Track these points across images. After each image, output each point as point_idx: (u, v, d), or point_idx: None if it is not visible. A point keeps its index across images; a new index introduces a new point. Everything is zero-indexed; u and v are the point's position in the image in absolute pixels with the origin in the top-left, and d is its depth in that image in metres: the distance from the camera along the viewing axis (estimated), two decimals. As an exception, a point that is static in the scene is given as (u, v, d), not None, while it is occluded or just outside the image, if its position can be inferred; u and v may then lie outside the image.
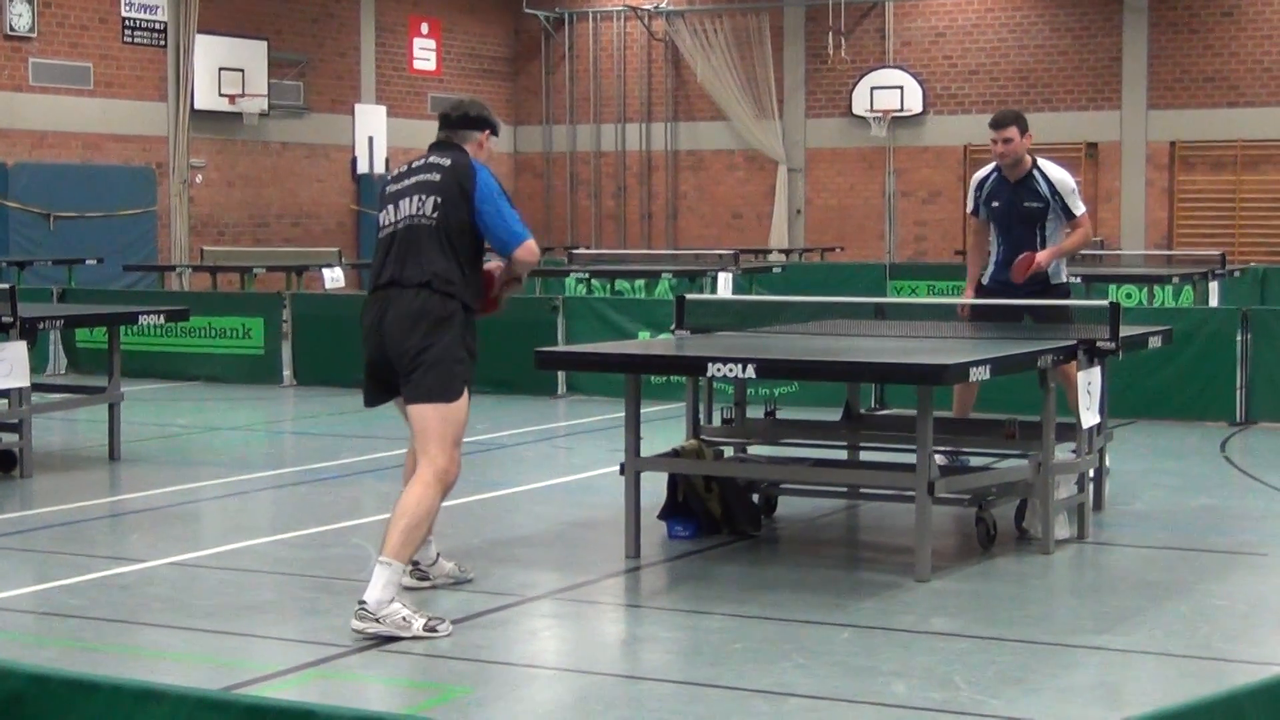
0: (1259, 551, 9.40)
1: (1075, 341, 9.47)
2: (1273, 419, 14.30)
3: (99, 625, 7.76)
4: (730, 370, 8.54)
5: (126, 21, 26.38)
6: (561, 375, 16.54)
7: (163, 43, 26.87)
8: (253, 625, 7.76)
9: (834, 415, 11.19)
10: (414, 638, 7.30)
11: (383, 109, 31.15)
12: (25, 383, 11.81)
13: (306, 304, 18.56)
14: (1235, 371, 14.52)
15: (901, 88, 31.27)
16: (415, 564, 8.17)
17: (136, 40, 26.54)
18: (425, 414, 7.73)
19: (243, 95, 27.94)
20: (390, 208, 8.09)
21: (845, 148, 32.18)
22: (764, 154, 32.66)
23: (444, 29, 32.94)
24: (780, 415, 11.09)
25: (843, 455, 10.79)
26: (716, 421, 10.51)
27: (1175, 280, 19.96)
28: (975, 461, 10.78)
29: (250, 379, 17.82)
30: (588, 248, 30.95)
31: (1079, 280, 17.96)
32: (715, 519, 9.67)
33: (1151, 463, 12.38)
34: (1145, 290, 20.22)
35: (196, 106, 27.22)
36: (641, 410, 9.25)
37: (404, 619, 7.34)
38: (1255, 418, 14.38)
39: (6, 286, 11.75)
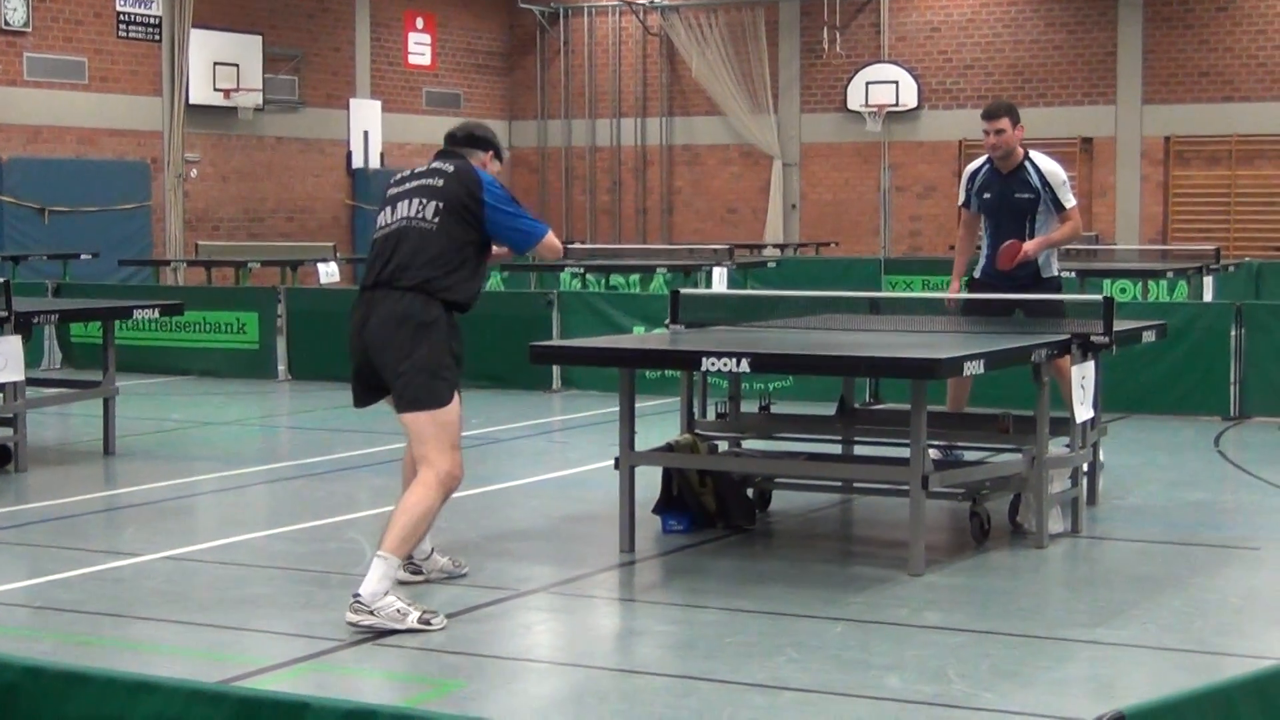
0: (1252, 546, 9.42)
1: (1069, 336, 9.48)
2: (1266, 414, 14.31)
3: (94, 619, 7.77)
4: (725, 365, 8.55)
5: (121, 16, 26.35)
6: (556, 370, 16.55)
7: (157, 37, 26.85)
8: (247, 619, 7.76)
9: (829, 410, 11.21)
10: (408, 630, 7.31)
11: (378, 103, 31.13)
12: (20, 377, 11.81)
13: (301, 299, 18.55)
14: (1229, 366, 14.53)
15: (896, 83, 31.26)
16: (409, 558, 8.17)
17: (131, 35, 26.52)
18: (418, 421, 7.73)
19: (237, 90, 27.91)
20: (388, 209, 8.06)
21: (840, 143, 32.18)
22: (759, 149, 32.66)
23: (439, 24, 32.92)
24: (775, 410, 11.11)
25: (837, 450, 10.80)
26: (711, 416, 10.52)
27: (1170, 275, 19.98)
28: (969, 456, 10.79)
29: (245, 373, 17.82)
30: (583, 242, 30.93)
31: (1072, 274, 17.97)
32: (709, 513, 9.68)
33: (1145, 457, 12.39)
34: (1140, 285, 20.23)
35: (191, 101, 27.20)
36: (636, 405, 9.26)
37: (398, 611, 7.36)
38: (1249, 412, 14.40)
39: (1, 281, 11.74)
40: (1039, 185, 11.06)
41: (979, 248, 11.54)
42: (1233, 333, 14.53)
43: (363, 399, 8.12)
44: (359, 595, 7.39)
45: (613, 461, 9.24)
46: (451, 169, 8.04)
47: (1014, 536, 9.46)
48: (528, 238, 8.04)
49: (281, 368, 17.89)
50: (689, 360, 9.23)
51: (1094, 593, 8.46)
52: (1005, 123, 11.07)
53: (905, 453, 8.77)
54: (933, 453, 9.79)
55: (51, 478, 11.79)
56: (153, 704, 3.28)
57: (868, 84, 31.41)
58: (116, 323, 13.46)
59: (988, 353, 8.74)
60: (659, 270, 21.48)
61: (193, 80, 27.15)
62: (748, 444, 10.71)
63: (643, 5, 33.23)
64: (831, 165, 32.33)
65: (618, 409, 9.26)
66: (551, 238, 8.14)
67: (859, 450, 10.85)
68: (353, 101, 30.68)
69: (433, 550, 8.38)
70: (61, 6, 25.51)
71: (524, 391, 16.19)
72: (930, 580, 8.43)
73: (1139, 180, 30.01)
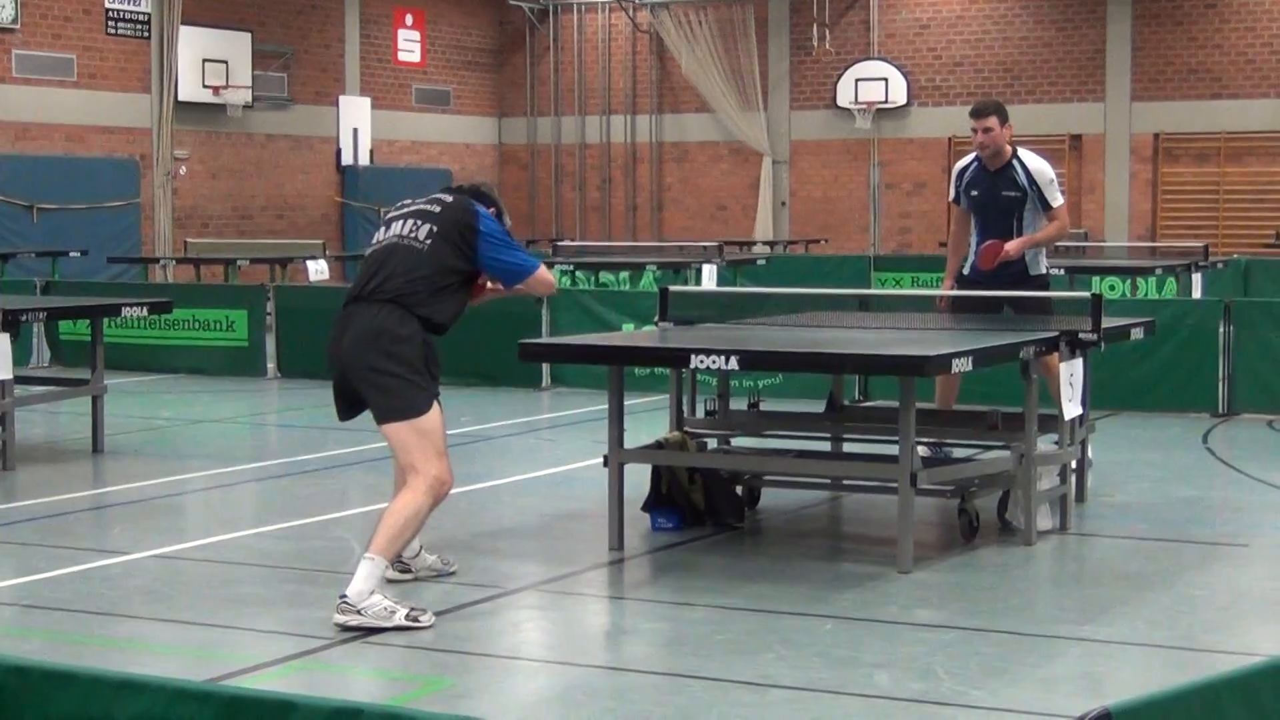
0: (1240, 542, 9.43)
1: (1057, 333, 9.49)
2: (1255, 410, 14.33)
3: (82, 617, 7.76)
4: (713, 362, 8.55)
5: (110, 13, 26.33)
6: (546, 367, 16.54)
7: (146, 34, 26.82)
8: (235, 617, 7.76)
9: (818, 407, 11.21)
10: (396, 628, 7.30)
11: (367, 100, 31.12)
12: (8, 375, 11.79)
13: (290, 296, 18.54)
14: (1218, 363, 14.54)
15: (886, 80, 31.28)
16: (398, 557, 8.17)
17: (120, 32, 26.49)
18: (399, 433, 7.73)
19: (227, 87, 27.90)
20: (383, 229, 8.09)
21: (830, 140, 32.19)
22: (749, 146, 32.67)
23: (428, 20, 32.90)
24: (764, 407, 11.10)
25: (826, 447, 10.80)
26: (700, 413, 10.52)
27: (1158, 272, 20.00)
28: (958, 453, 10.80)
29: (234, 371, 17.80)
30: (572, 240, 30.95)
31: (1061, 271, 18.00)
32: (698, 511, 9.68)
33: (1134, 454, 12.40)
34: (1128, 282, 20.25)
35: (180, 98, 27.18)
36: (625, 402, 9.26)
37: (386, 609, 7.35)
38: (1237, 409, 14.42)
39: (-11, 279, 11.73)
40: (1026, 184, 11.07)
41: (971, 245, 11.54)
42: (1221, 329, 14.54)
43: (345, 413, 8.11)
44: (345, 596, 7.39)
45: (602, 459, 9.24)
46: (450, 199, 8.05)
47: (1002, 534, 9.46)
48: (519, 271, 8.03)
49: (270, 365, 17.88)
50: (678, 358, 9.23)
51: (1082, 590, 8.47)
52: (993, 121, 11.07)
53: (894, 450, 8.77)
54: (921, 450, 9.80)
55: (40, 476, 11.78)
56: (139, 703, 3.27)
57: (857, 81, 31.43)
58: (105, 320, 13.44)
59: (976, 350, 8.75)
60: (648, 267, 21.48)
61: (182, 77, 27.13)
62: (737, 441, 10.71)
63: (632, 2, 33.23)
64: (821, 162, 32.35)
65: (607, 406, 9.26)
66: (544, 272, 8.14)
67: (848, 448, 10.85)
68: (342, 98, 30.67)
69: (421, 548, 8.37)
70: (50, 3, 25.48)
71: (513, 389, 16.19)
72: (919, 578, 8.43)
73: (1128, 177, 30.05)
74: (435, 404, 7.77)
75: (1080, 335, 9.49)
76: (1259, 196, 29.23)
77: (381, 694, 6.70)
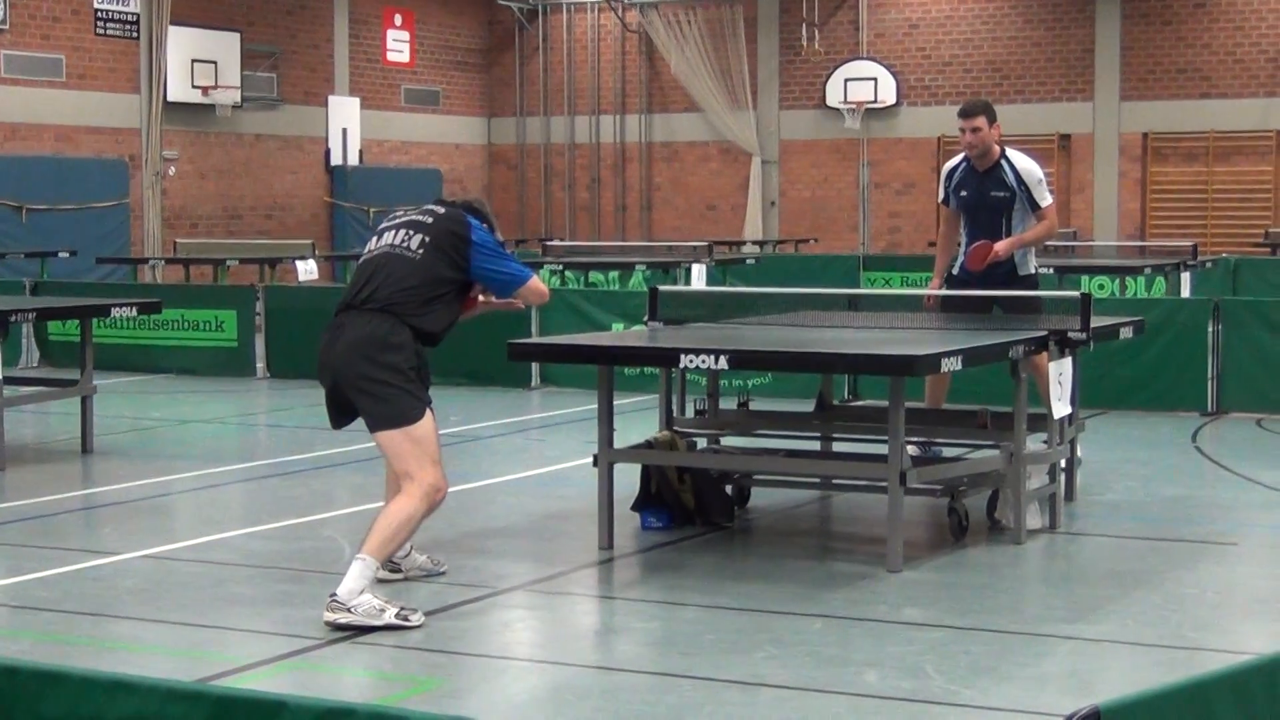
0: (1229, 541, 9.45)
1: (1047, 332, 9.50)
2: (1243, 409, 14.36)
3: (71, 618, 7.76)
4: (703, 361, 8.55)
5: (99, 13, 26.30)
6: (535, 367, 16.55)
7: (135, 34, 26.79)
8: (226, 617, 7.75)
9: (807, 406, 11.22)
10: (386, 627, 7.31)
11: (356, 100, 31.11)
12: (-3, 375, 11.78)
13: (280, 296, 18.52)
14: (1207, 362, 14.57)
15: (875, 79, 31.30)
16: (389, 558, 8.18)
17: (109, 32, 26.46)
18: (393, 441, 7.75)
19: (216, 87, 27.87)
20: (375, 239, 8.13)
21: (819, 139, 32.21)
22: (738, 146, 32.68)
23: (417, 20, 32.89)
24: (753, 406, 11.11)
25: (815, 446, 10.81)
26: (690, 413, 10.52)
27: (1147, 271, 20.02)
28: (947, 452, 10.81)
29: (223, 371, 17.79)
30: (562, 240, 30.95)
31: (1050, 271, 18.02)
32: (688, 510, 9.68)
33: (1123, 453, 12.42)
34: (1117, 281, 20.27)
35: (169, 98, 27.15)
36: (615, 402, 9.26)
37: (375, 608, 7.36)
38: (1226, 408, 14.44)
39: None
40: (1014, 183, 11.08)
41: (960, 245, 11.55)
42: (1210, 328, 14.57)
43: (338, 421, 8.13)
44: (336, 595, 7.40)
45: (591, 459, 9.24)
46: (443, 211, 8.10)
47: (992, 532, 9.47)
48: (511, 281, 8.07)
49: (260, 366, 17.87)
50: (668, 357, 9.24)
51: (1072, 588, 8.48)
52: (981, 121, 11.09)
53: (883, 449, 8.78)
54: (911, 449, 9.82)
55: (29, 476, 11.76)
56: (130, 703, 3.27)
57: (846, 81, 31.44)
58: (94, 321, 13.43)
59: (965, 349, 8.76)
60: (638, 267, 21.49)
61: (171, 77, 27.10)
62: (726, 441, 10.71)
63: (621, 2, 33.23)
64: (810, 162, 32.36)
65: (596, 406, 9.26)
66: (536, 282, 8.18)
67: (837, 447, 10.86)
68: (331, 98, 30.66)
69: (411, 548, 8.37)
70: (39, 4, 25.45)
71: (502, 389, 16.19)
72: (908, 576, 8.44)
73: (1117, 176, 30.08)
74: (428, 412, 7.79)
75: (1069, 334, 9.50)
76: (1247, 196, 29.27)
77: (372, 694, 6.70)
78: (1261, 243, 26.61)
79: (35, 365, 18.56)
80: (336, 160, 30.55)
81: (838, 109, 31.62)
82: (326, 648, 7.17)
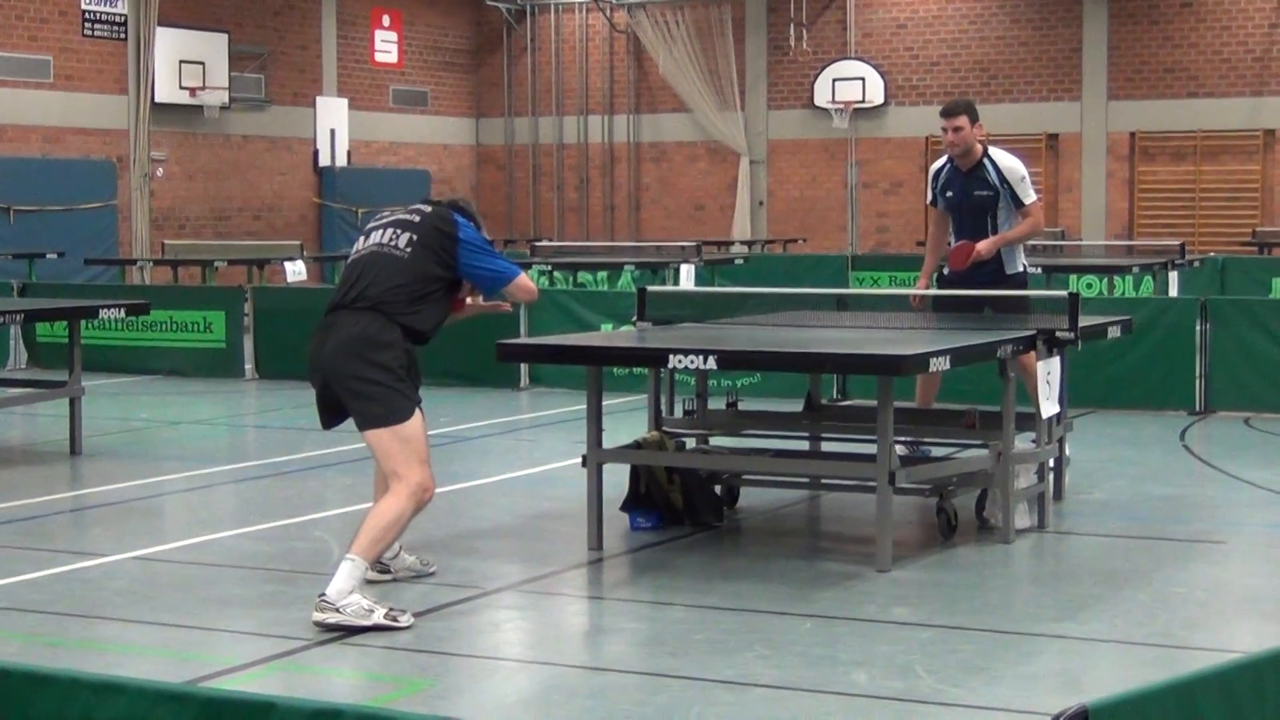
0: (1217, 540, 9.46)
1: (1035, 331, 9.51)
2: (1231, 408, 14.38)
3: (61, 620, 7.75)
4: (691, 362, 8.56)
5: (86, 14, 26.26)
6: (524, 367, 16.54)
7: (123, 36, 26.76)
8: (215, 619, 7.75)
9: (796, 406, 11.23)
10: (374, 628, 7.31)
11: (344, 101, 31.07)
12: (-15, 377, 11.76)
13: (268, 297, 18.51)
14: (1194, 361, 14.59)
15: (863, 79, 31.31)
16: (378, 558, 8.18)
17: (96, 33, 26.42)
18: (381, 440, 7.76)
19: (204, 88, 27.83)
20: (362, 239, 8.16)
21: (807, 139, 32.22)
22: (726, 146, 32.68)
23: (405, 21, 32.87)
24: (742, 406, 11.12)
25: (804, 446, 10.81)
26: (678, 413, 10.53)
27: (1135, 270, 20.04)
28: (936, 451, 10.81)
29: (212, 373, 17.77)
30: (550, 240, 30.93)
31: (1038, 270, 18.04)
32: (677, 510, 9.69)
33: (1111, 452, 12.43)
34: (1105, 280, 20.29)
35: (157, 99, 27.11)
36: (603, 402, 9.27)
37: (364, 609, 7.36)
38: (1214, 407, 14.46)
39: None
40: (997, 182, 11.10)
41: (950, 245, 11.57)
42: (1198, 328, 14.59)
43: (328, 421, 8.16)
44: (325, 595, 7.40)
45: (580, 459, 9.24)
46: (430, 210, 8.15)
47: (981, 532, 9.49)
48: (498, 278, 8.09)
49: (248, 367, 17.86)
50: (656, 358, 9.24)
51: (1060, 587, 8.49)
52: (963, 120, 11.11)
53: (872, 449, 8.79)
54: (900, 449, 9.83)
55: (17, 478, 11.75)
56: (119, 705, 3.27)
57: (834, 81, 31.45)
58: (83, 322, 13.42)
59: (953, 349, 8.77)
60: (626, 267, 21.48)
61: (158, 78, 27.07)
62: (715, 441, 10.71)
63: (609, 2, 33.23)
64: (798, 162, 32.38)
65: (585, 406, 9.27)
66: (524, 279, 8.19)
67: (826, 446, 10.86)
68: (319, 99, 30.63)
69: (400, 549, 8.37)
70: (26, 5, 25.41)
71: (491, 389, 16.18)
72: (898, 576, 8.45)
73: (1104, 176, 30.12)
74: (417, 411, 7.79)
75: (1058, 334, 9.51)
76: (1235, 195, 29.31)
77: (361, 695, 6.70)
78: (1249, 242, 26.65)
79: (23, 367, 18.54)
80: (325, 161, 30.52)
81: (826, 109, 31.63)
82: (315, 649, 7.17)
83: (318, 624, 7.36)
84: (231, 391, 17.01)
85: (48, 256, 23.28)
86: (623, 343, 10.35)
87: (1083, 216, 30.13)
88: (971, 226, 11.14)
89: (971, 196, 11.11)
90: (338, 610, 7.35)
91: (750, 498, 10.46)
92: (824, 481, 10.38)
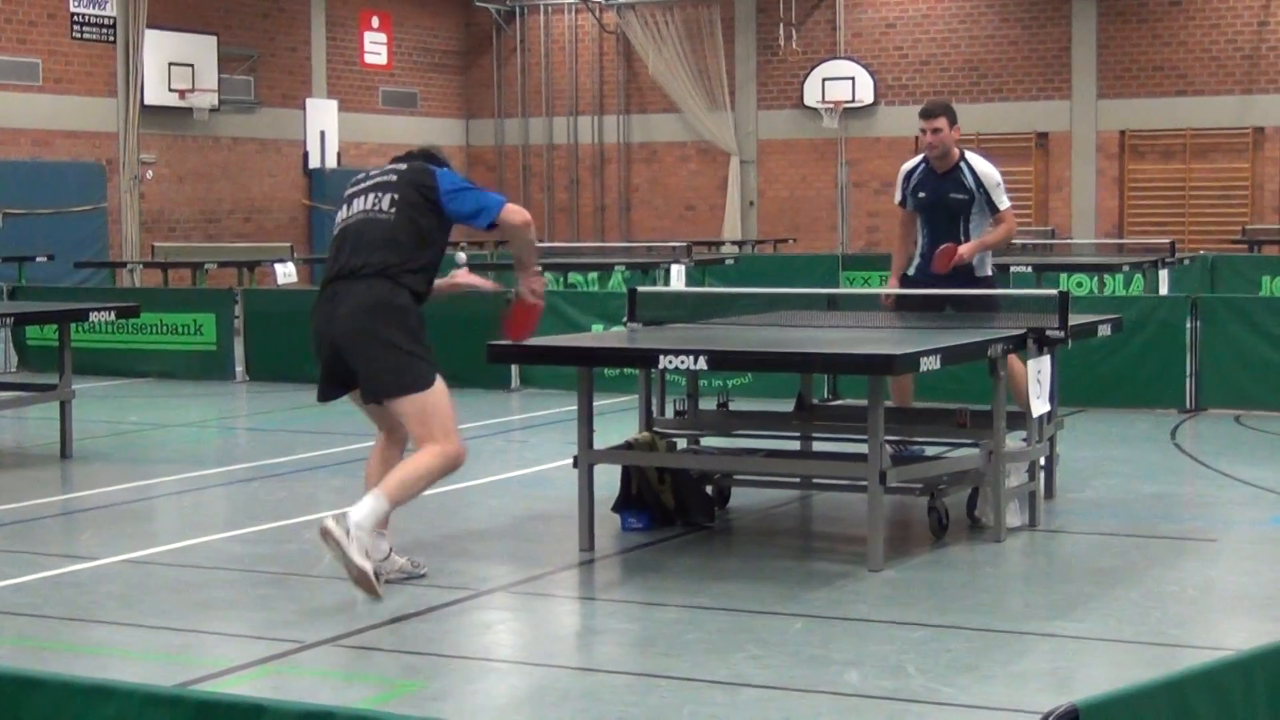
0: (1208, 537, 9.47)
1: (1025, 330, 9.52)
2: (1222, 406, 14.39)
3: (50, 623, 7.74)
4: (682, 362, 8.56)
5: (75, 17, 26.24)
6: (515, 369, 16.53)
7: (112, 38, 26.73)
8: (206, 622, 7.74)
9: (787, 406, 11.23)
10: (359, 572, 7.55)
11: (334, 103, 31.07)
12: (-25, 381, 11.74)
13: (258, 299, 18.50)
14: (1185, 359, 14.60)
15: (853, 79, 31.33)
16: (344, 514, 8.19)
17: (85, 36, 26.40)
18: (412, 405, 7.85)
19: (193, 90, 27.82)
20: (345, 207, 8.20)
21: (797, 139, 32.23)
22: (716, 146, 32.69)
23: (395, 23, 32.86)
24: (733, 407, 11.11)
25: (795, 446, 10.81)
26: (669, 413, 10.52)
27: (1125, 269, 20.05)
28: (927, 451, 10.81)
29: (202, 375, 17.76)
30: (541, 241, 30.91)
31: (1029, 269, 18.08)
32: (669, 511, 9.69)
33: (1102, 450, 12.44)
34: (1096, 279, 20.31)
35: (146, 102, 27.10)
36: (594, 403, 9.27)
37: (367, 549, 7.58)
38: (1205, 405, 14.47)
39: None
40: (973, 186, 11.08)
41: (917, 245, 11.56)
42: (1188, 326, 14.60)
43: (328, 393, 8.22)
44: (347, 515, 7.59)
45: (571, 460, 9.24)
46: (405, 166, 8.24)
47: (972, 531, 9.49)
48: (485, 211, 8.10)
49: (239, 369, 17.84)
50: (647, 358, 9.24)
51: (1052, 586, 8.49)
52: (942, 122, 11.08)
53: (864, 448, 8.79)
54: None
55: (8, 481, 11.73)
56: (109, 709, 3.26)
57: (824, 80, 31.48)
58: (73, 325, 13.39)
59: (944, 348, 8.77)
60: (617, 268, 21.48)
61: (148, 81, 27.05)
62: (706, 441, 10.71)
63: (598, 3, 33.23)
64: (788, 162, 32.39)
65: (576, 407, 9.26)
66: (512, 207, 8.17)
67: (817, 446, 10.86)
68: (309, 101, 30.62)
69: (391, 550, 8.36)
70: (15, 8, 25.38)
71: (482, 391, 16.16)
72: (889, 575, 8.45)
73: (1094, 174, 30.15)
74: (439, 379, 7.86)
75: (1048, 332, 9.52)
76: (1224, 193, 29.35)
77: (352, 697, 6.69)
78: (1238, 240, 26.68)
79: (13, 370, 18.51)
80: (315, 163, 30.52)
81: (816, 109, 31.65)
82: (307, 651, 7.16)
83: (323, 532, 7.57)
84: (222, 394, 16.99)
85: (37, 259, 23.25)
86: (614, 343, 10.35)
87: (1073, 215, 30.16)
88: (944, 229, 11.12)
89: (946, 199, 11.10)
90: (349, 536, 7.52)
91: (742, 498, 10.46)
92: (815, 481, 10.38)
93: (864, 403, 8.96)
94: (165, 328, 18.10)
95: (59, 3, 26.05)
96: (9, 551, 9.35)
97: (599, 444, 9.39)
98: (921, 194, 11.22)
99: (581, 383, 9.18)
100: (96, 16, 26.52)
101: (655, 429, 10.02)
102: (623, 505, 9.68)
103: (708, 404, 10.94)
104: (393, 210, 7.97)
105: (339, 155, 30.85)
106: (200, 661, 7.06)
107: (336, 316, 7.87)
